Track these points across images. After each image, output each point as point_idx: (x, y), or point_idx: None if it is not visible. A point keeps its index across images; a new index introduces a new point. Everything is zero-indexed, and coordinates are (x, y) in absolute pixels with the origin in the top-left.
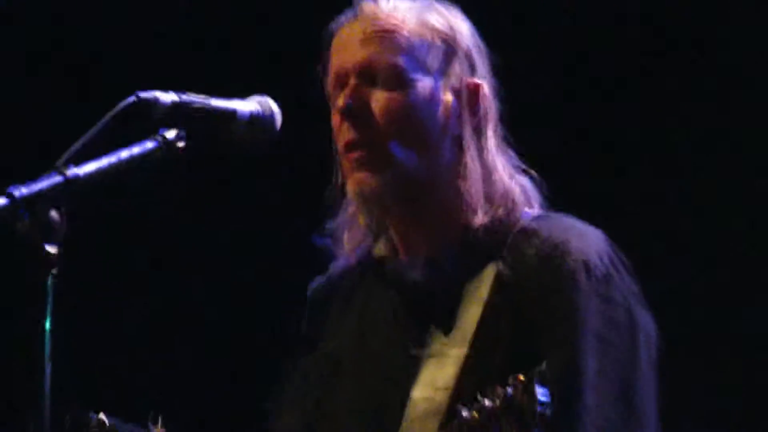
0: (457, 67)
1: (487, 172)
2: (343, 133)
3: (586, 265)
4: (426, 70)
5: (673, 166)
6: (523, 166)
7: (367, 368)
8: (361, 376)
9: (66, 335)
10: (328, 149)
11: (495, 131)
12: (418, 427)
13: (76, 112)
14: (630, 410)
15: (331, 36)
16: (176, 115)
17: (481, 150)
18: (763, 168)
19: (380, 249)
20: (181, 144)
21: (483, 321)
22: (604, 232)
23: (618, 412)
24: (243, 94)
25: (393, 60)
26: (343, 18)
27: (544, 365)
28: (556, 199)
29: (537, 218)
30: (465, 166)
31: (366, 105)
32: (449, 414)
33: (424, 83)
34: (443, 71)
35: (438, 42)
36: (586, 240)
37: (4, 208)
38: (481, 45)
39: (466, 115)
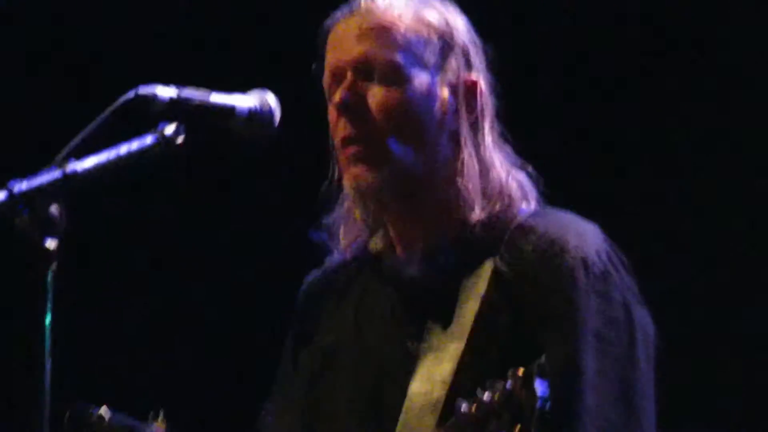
0: (454, 63)
1: (485, 168)
2: (340, 128)
3: (585, 263)
4: (423, 66)
5: (673, 166)
6: (520, 162)
7: (364, 363)
8: (358, 370)
9: (66, 332)
10: (327, 147)
11: (492, 127)
12: (416, 421)
13: (75, 112)
14: (629, 410)
15: (327, 31)
16: (175, 110)
17: (478, 146)
18: (763, 168)
19: (376, 244)
20: (180, 139)
21: (480, 316)
22: (604, 232)
23: (618, 412)
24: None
25: (390, 56)
26: (339, 13)
27: (543, 359)
28: (556, 199)
29: (534, 214)
30: (462, 162)
31: (363, 100)
32: (447, 408)
33: (420, 79)
34: (440, 67)
35: (434, 38)
36: (584, 237)
37: (4, 203)
38: (477, 41)
39: (462, 111)
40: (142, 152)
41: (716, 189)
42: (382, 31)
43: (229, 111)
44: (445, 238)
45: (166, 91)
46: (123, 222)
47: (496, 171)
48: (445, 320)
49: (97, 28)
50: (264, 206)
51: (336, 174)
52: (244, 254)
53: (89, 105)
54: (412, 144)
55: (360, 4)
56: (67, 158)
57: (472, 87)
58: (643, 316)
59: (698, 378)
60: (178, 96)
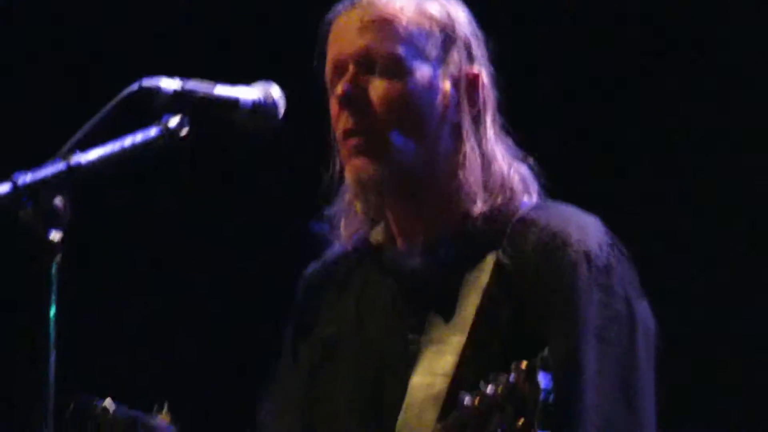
0: (456, 56)
1: (486, 161)
2: (342, 120)
3: (587, 256)
4: (424, 59)
5: (673, 166)
6: (522, 155)
7: (365, 355)
8: (359, 362)
9: (69, 325)
10: (328, 139)
11: (493, 120)
12: (417, 414)
13: (75, 112)
14: (630, 406)
15: (329, 24)
16: (179, 102)
17: (480, 139)
18: (763, 168)
19: (377, 236)
20: (183, 131)
21: (482, 309)
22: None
23: (618, 408)
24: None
25: (392, 48)
26: (340, 6)
27: (546, 351)
28: (555, 198)
29: (536, 207)
30: (464, 155)
31: (365, 93)
32: (448, 401)
33: (422, 72)
34: (442, 60)
35: (436, 30)
36: (586, 230)
37: (8, 195)
38: (479, 34)
39: (464, 104)
40: (146, 144)
41: (716, 189)
42: (383, 24)
43: (233, 103)
44: (446, 231)
45: (170, 83)
46: (126, 214)
47: (498, 164)
48: (447, 313)
49: (97, 28)
50: (267, 199)
51: (337, 166)
52: (247, 247)
53: (89, 105)
54: (413, 137)
55: None
56: (72, 150)
57: (473, 80)
58: (644, 310)
59: (698, 378)
60: (182, 88)
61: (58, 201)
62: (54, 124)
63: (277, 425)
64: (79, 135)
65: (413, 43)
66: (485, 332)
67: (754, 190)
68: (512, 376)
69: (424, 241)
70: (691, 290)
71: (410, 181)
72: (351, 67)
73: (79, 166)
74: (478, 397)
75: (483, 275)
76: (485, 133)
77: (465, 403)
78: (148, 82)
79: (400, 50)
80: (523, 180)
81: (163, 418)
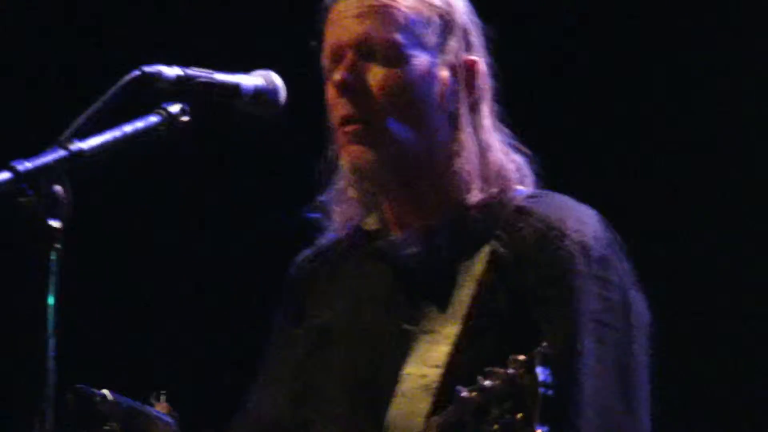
0: (454, 44)
1: (483, 150)
2: (339, 107)
3: (584, 247)
4: (423, 47)
5: (674, 166)
6: (517, 144)
7: (359, 342)
8: (353, 349)
9: (65, 315)
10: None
11: (490, 109)
12: (410, 404)
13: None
14: (627, 395)
15: (327, 9)
16: (180, 89)
17: (476, 127)
18: (763, 168)
19: (371, 223)
20: (184, 118)
21: (477, 299)
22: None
23: (615, 398)
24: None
25: (391, 36)
26: None
27: (545, 345)
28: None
29: (532, 196)
30: (461, 143)
31: (363, 80)
32: (442, 391)
33: (421, 59)
34: (440, 47)
35: (435, 18)
36: (582, 221)
37: (8, 182)
38: (477, 21)
39: (462, 92)
40: (146, 131)
41: (716, 189)
42: (382, 11)
43: (235, 89)
44: (442, 220)
45: (170, 70)
46: (120, 201)
47: (495, 153)
48: (442, 303)
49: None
50: (261, 185)
51: (332, 153)
52: (244, 235)
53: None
54: (411, 124)
55: None
56: (72, 138)
57: (471, 68)
58: (639, 301)
59: (698, 378)
60: (185, 73)
61: (58, 188)
62: (53, 112)
63: (265, 405)
64: (79, 122)
65: (412, 30)
66: (480, 322)
67: (754, 190)
68: (511, 370)
69: (419, 229)
70: (691, 290)
71: (407, 169)
72: (349, 54)
73: (80, 153)
74: (476, 391)
75: (479, 265)
76: (482, 122)
77: (463, 396)
78: (148, 69)
79: (399, 37)
80: (519, 169)
81: (161, 408)
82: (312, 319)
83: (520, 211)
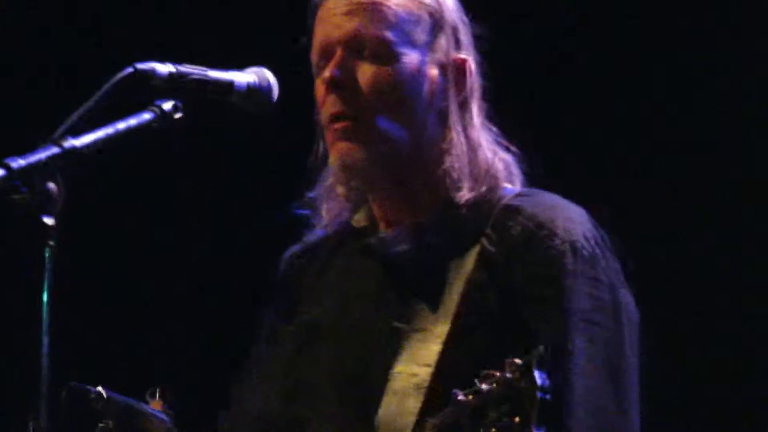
0: (444, 42)
1: (472, 148)
2: (329, 104)
3: (573, 246)
4: (413, 44)
5: (674, 166)
6: (505, 143)
7: (348, 339)
8: (342, 346)
9: (59, 313)
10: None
11: (479, 107)
12: (399, 403)
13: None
14: (617, 394)
15: (317, 6)
16: (173, 85)
17: (466, 125)
18: (764, 168)
19: (359, 220)
20: (177, 115)
21: (467, 297)
22: (604, 231)
23: (606, 396)
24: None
25: (381, 33)
26: None
27: (542, 349)
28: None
29: (521, 195)
30: (450, 142)
31: (352, 77)
32: (432, 390)
33: (410, 57)
34: (430, 45)
35: (425, 16)
36: (572, 220)
37: (1, 179)
38: (466, 20)
39: (451, 90)
40: (140, 128)
41: (716, 189)
42: (372, 8)
43: (228, 85)
44: (431, 218)
45: (163, 67)
46: (114, 199)
47: (484, 151)
48: (432, 301)
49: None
50: (252, 182)
51: (320, 149)
52: (240, 232)
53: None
54: (400, 122)
55: None
56: (65, 134)
57: (461, 66)
58: (628, 300)
59: (697, 377)
60: (177, 70)
61: (51, 185)
62: (53, 112)
63: (256, 401)
64: (73, 119)
65: (402, 28)
66: (470, 321)
67: (754, 191)
68: (508, 374)
69: (409, 227)
70: (691, 290)
71: (396, 167)
72: (339, 51)
73: (73, 150)
74: (472, 394)
75: (468, 263)
76: (471, 120)
77: (459, 399)
78: (142, 66)
79: (389, 35)
80: (507, 167)
81: (156, 405)
82: (301, 315)
83: (509, 209)
